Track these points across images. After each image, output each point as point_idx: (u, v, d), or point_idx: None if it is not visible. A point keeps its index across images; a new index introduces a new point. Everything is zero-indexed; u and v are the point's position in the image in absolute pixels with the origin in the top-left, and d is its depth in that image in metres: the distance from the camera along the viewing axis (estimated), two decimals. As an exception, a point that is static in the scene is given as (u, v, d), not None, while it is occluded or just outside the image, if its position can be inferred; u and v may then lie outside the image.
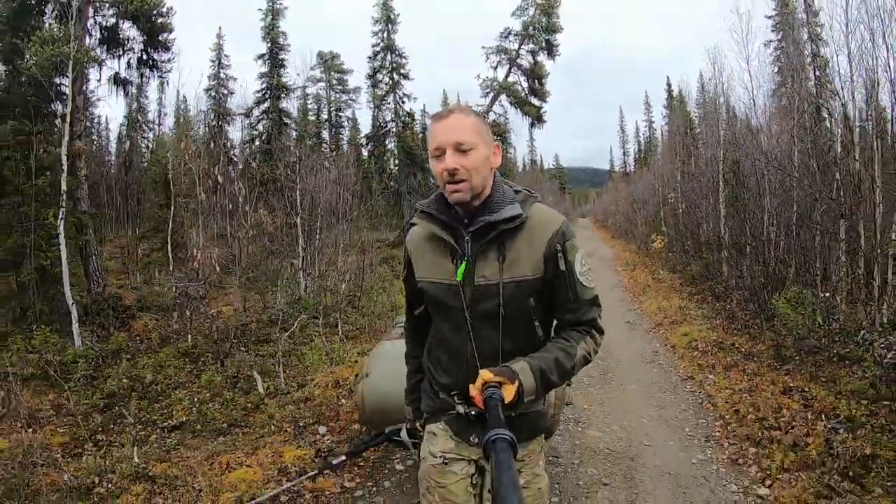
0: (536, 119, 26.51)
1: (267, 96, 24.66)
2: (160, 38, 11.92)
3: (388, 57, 27.76)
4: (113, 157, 26.99)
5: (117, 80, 12.14)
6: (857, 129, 6.81)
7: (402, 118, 27.79)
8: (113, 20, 11.58)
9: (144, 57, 12.60)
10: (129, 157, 16.15)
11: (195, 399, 6.33)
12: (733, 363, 5.69)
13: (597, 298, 1.65)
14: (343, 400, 5.53)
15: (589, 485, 3.57)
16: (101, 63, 10.97)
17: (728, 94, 11.92)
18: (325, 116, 35.23)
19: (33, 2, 11.95)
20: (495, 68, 26.03)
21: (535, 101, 26.25)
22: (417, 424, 1.93)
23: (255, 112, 25.43)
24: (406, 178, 27.32)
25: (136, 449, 4.77)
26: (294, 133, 25.43)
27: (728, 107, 11.65)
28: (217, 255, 8.82)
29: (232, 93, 29.10)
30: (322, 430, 4.97)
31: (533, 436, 1.71)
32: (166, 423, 5.82)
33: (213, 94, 28.30)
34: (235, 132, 27.14)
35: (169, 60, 12.36)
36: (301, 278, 10.54)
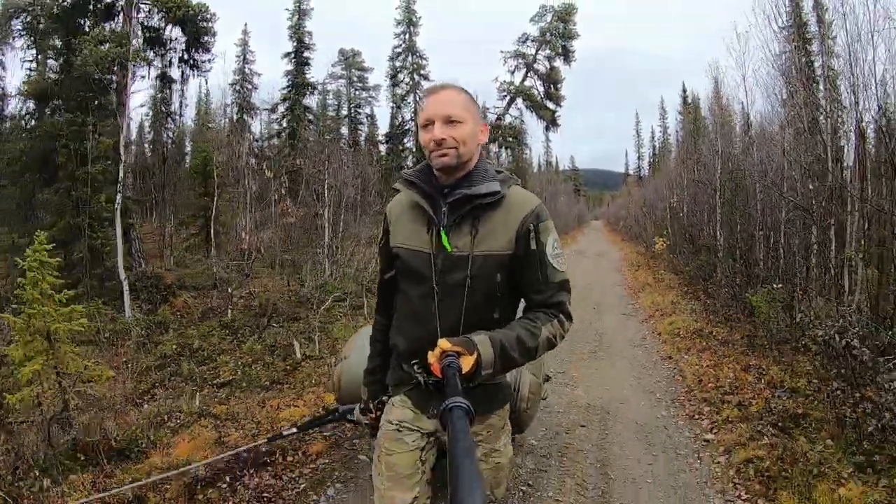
0: (551, 122, 27.32)
1: (292, 93, 25.61)
2: (202, 40, 12.92)
3: (410, 58, 28.73)
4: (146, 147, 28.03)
5: (164, 78, 13.16)
6: (832, 145, 7.60)
7: (422, 117, 28.77)
8: (156, 22, 12.56)
9: (185, 56, 13.61)
10: (164, 148, 17.08)
11: (239, 362, 7.29)
12: (708, 347, 6.56)
13: (567, 283, 1.68)
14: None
15: (569, 426, 4.48)
16: (150, 63, 11.98)
17: (727, 107, 12.77)
18: (344, 112, 36.11)
19: (82, 1, 12.94)
20: (512, 72, 26.92)
21: (551, 105, 27.08)
22: (371, 405, 1.95)
23: (280, 108, 26.40)
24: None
25: (197, 394, 5.74)
26: (313, 129, 26.32)
27: (724, 120, 12.47)
28: (260, 240, 9.74)
29: (256, 87, 30.19)
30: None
31: (492, 408, 1.74)
32: (216, 381, 6.77)
33: (237, 88, 29.37)
34: (257, 126, 28.23)
35: (209, 61, 13.38)
36: (326, 265, 11.50)
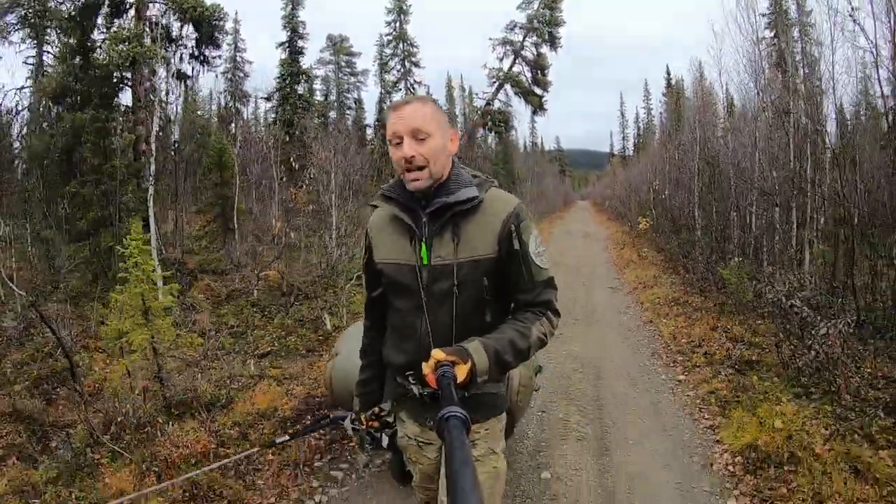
0: (539, 107, 28.18)
1: (287, 82, 26.21)
2: (214, 37, 13.67)
3: (401, 46, 29.41)
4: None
5: (179, 75, 13.90)
6: (794, 138, 8.63)
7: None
8: (171, 22, 13.29)
9: (196, 53, 14.34)
10: (180, 139, 17.81)
11: (273, 336, 8.25)
12: (683, 313, 7.66)
13: (552, 280, 1.69)
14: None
15: (569, 373, 5.55)
16: (169, 61, 12.72)
17: (708, 95, 13.85)
18: (333, 97, 36.62)
19: (98, 1, 13.56)
20: (501, 59, 27.68)
21: (538, 91, 27.91)
22: (363, 416, 1.94)
23: (276, 97, 27.02)
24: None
25: (251, 361, 6.72)
26: (311, 117, 26.94)
27: (706, 100, 13.56)
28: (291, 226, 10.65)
29: (248, 75, 30.74)
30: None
31: (488, 416, 1.75)
32: (256, 352, 7.74)
33: (229, 76, 29.88)
34: (250, 114, 28.87)
35: (219, 56, 14.14)
36: (334, 247, 12.42)
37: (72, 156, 13.00)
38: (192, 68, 14.59)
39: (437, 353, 1.41)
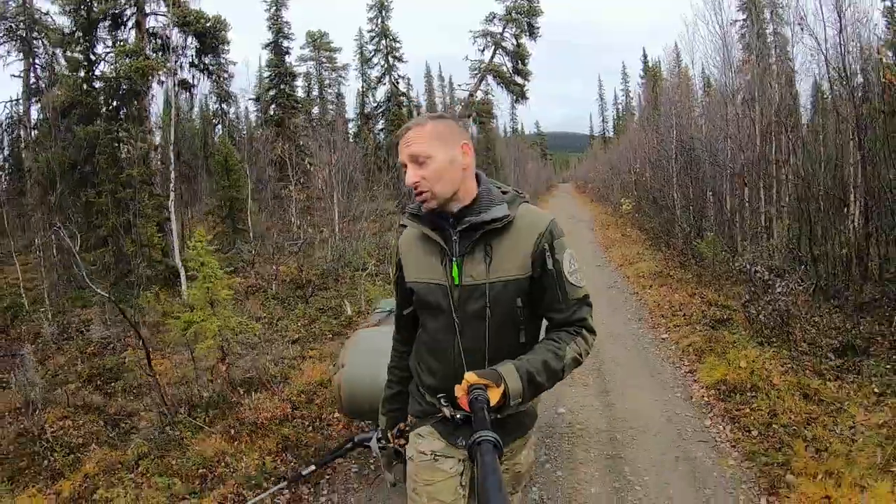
0: (520, 96, 29.03)
1: (275, 82, 26.77)
2: (214, 46, 14.35)
3: (383, 42, 30.06)
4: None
5: (184, 84, 14.56)
6: (761, 124, 9.60)
7: (398, 98, 30.19)
8: (173, 36, 13.94)
9: (196, 62, 15.01)
10: (178, 146, 18.49)
11: (298, 324, 9.11)
12: (665, 284, 8.64)
13: (587, 298, 1.65)
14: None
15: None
16: (175, 73, 13.39)
17: (683, 81, 14.83)
18: (315, 93, 37.03)
19: (100, 17, 14.13)
20: (482, 51, 28.44)
21: (519, 80, 28.74)
22: (390, 434, 1.93)
23: (265, 97, 27.58)
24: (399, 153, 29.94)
25: (290, 345, 7.59)
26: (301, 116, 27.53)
27: (682, 82, 14.56)
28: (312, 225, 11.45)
29: (232, 76, 31.21)
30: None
31: (520, 436, 1.76)
32: (286, 339, 8.59)
33: (214, 78, 30.36)
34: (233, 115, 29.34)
35: (219, 65, 14.81)
36: (338, 241, 13.27)
37: (83, 167, 13.68)
38: (192, 76, 15.26)
39: (470, 376, 1.41)
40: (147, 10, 14.40)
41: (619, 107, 66.40)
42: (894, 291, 6.00)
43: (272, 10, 27.23)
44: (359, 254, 12.60)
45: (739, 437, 3.95)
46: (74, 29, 14.34)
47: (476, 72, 28.37)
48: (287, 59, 27.76)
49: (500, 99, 29.60)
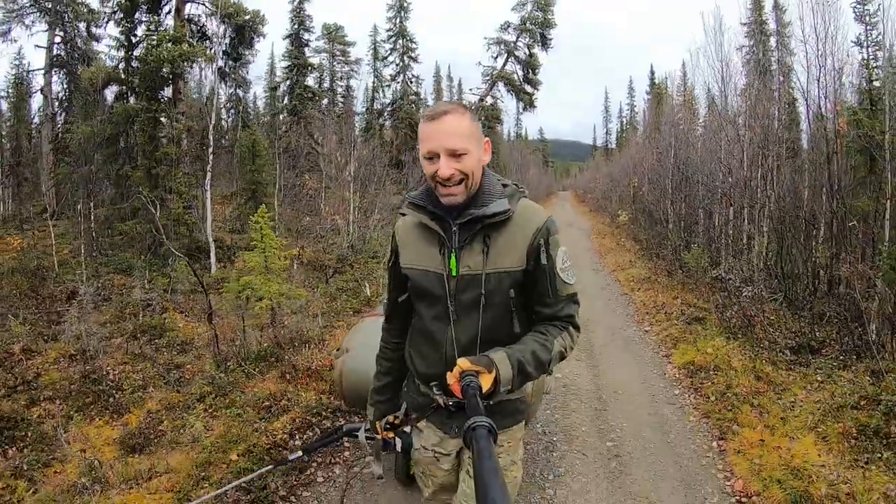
0: (529, 104, 30.07)
1: (294, 73, 27.68)
2: (249, 38, 15.31)
3: (400, 42, 31.06)
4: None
5: (221, 73, 15.50)
6: (745, 151, 10.64)
7: (411, 97, 31.19)
8: (213, 26, 14.90)
9: (229, 50, 15.96)
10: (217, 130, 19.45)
11: (320, 301, 10.08)
12: (652, 287, 9.69)
13: (575, 296, 1.72)
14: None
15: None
16: (212, 59, 14.33)
17: (688, 104, 15.91)
18: (326, 85, 37.82)
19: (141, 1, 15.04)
20: (495, 58, 29.48)
21: (529, 89, 29.79)
22: (378, 425, 1.95)
23: (282, 87, 28.49)
24: (411, 149, 30.92)
25: (319, 316, 8.57)
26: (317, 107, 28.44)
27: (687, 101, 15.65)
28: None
29: (249, 63, 32.10)
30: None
31: (512, 423, 1.81)
32: (310, 313, 9.56)
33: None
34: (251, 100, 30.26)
35: (252, 54, 15.78)
36: (353, 229, 14.25)
37: (118, 141, 14.60)
38: (226, 65, 16.19)
39: (463, 363, 1.43)
40: (185, -3, 15.41)
41: (624, 119, 67.43)
42: (847, 305, 7.04)
43: (296, 3, 28.14)
44: (371, 243, 13.59)
45: (700, 402, 4.99)
46: (116, 10, 15.31)
47: (488, 77, 29.39)
48: (305, 50, 28.73)
49: (509, 106, 30.60)
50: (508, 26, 29.65)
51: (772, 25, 28.15)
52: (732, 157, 11.08)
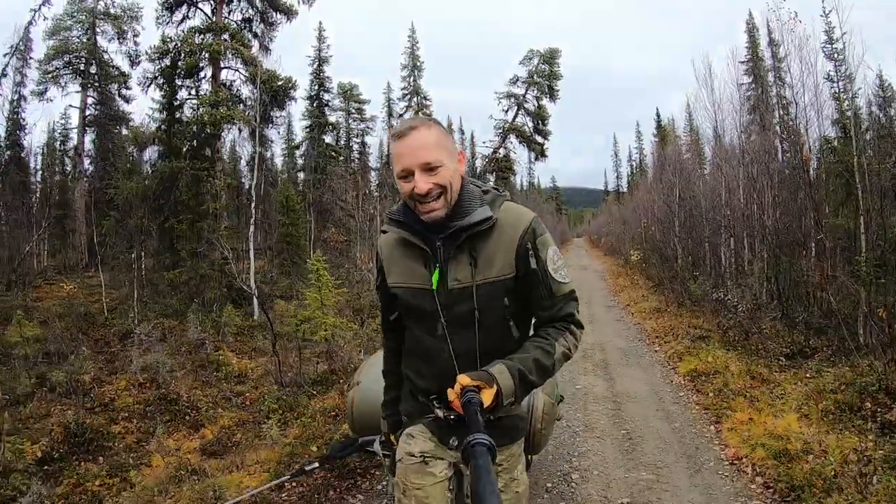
0: (540, 154, 31.47)
1: (315, 132, 29.31)
2: (281, 101, 16.77)
3: (415, 99, 32.82)
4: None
5: (253, 135, 16.92)
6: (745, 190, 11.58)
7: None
8: (248, 92, 16.40)
9: (263, 114, 17.39)
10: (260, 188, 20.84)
11: (359, 333, 10.97)
12: (661, 316, 10.51)
13: (573, 293, 1.67)
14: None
15: (585, 350, 8.35)
16: (249, 122, 15.74)
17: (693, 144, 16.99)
18: (342, 142, 39.41)
19: (182, 70, 16.54)
20: (506, 111, 31.05)
21: (539, 139, 31.22)
22: (392, 437, 1.95)
23: (304, 147, 30.09)
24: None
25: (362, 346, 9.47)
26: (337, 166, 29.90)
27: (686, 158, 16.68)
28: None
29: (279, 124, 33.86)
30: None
31: (512, 440, 1.76)
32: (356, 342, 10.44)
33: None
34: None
35: (283, 116, 17.20)
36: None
37: (161, 197, 15.88)
38: (259, 127, 17.61)
39: (463, 378, 1.42)
40: (222, 64, 16.99)
41: (633, 164, 68.53)
42: (838, 315, 7.82)
43: (315, 66, 30.04)
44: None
45: (700, 398, 5.82)
46: (157, 75, 16.89)
47: (500, 130, 30.88)
48: (327, 110, 30.46)
49: (521, 156, 31.96)
50: (517, 80, 31.29)
51: (768, 61, 29.10)
52: (731, 193, 12.03)
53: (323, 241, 18.81)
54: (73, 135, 25.27)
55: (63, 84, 22.63)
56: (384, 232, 1.77)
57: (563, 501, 3.83)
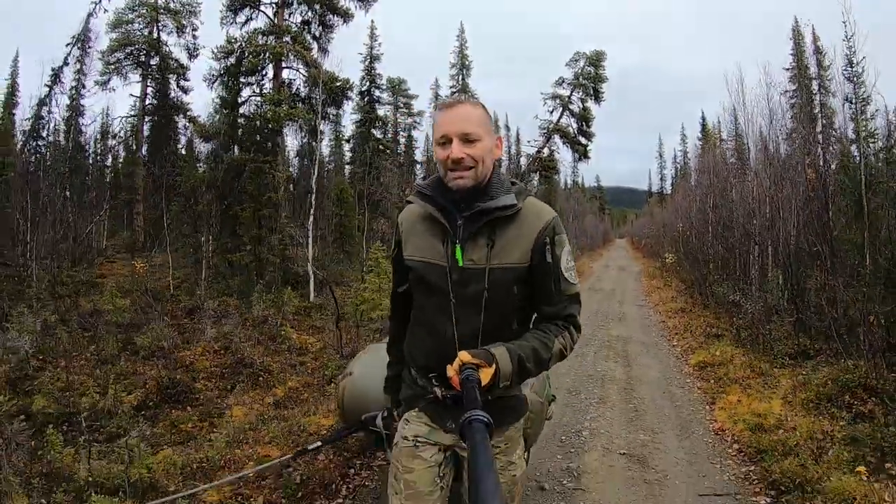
0: (583, 155, 31.94)
1: (366, 127, 30.56)
2: (339, 101, 18.01)
3: (463, 97, 33.73)
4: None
5: (312, 133, 18.22)
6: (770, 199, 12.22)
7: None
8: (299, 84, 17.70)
9: (322, 112, 18.67)
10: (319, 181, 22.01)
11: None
12: (685, 315, 11.32)
13: (578, 296, 1.72)
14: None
15: (609, 340, 9.27)
16: (310, 122, 17.04)
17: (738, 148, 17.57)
18: (390, 136, 40.46)
19: (245, 68, 17.87)
20: (551, 112, 31.68)
21: (583, 141, 31.73)
22: (395, 412, 1.97)
23: (353, 140, 31.40)
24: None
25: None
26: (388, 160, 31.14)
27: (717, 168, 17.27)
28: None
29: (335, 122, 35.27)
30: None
31: (511, 421, 1.79)
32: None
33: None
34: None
35: (338, 114, 18.43)
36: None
37: (224, 186, 17.28)
38: (318, 124, 18.91)
39: (464, 355, 1.45)
40: (283, 64, 18.28)
41: (678, 166, 67.83)
42: (840, 321, 8.53)
43: (367, 63, 31.28)
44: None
45: (702, 384, 6.71)
46: (222, 72, 18.28)
47: (544, 131, 31.55)
48: (378, 106, 31.69)
49: (565, 156, 32.56)
50: (563, 82, 31.76)
51: (813, 69, 28.80)
52: (759, 204, 12.66)
53: (372, 231, 20.02)
54: (131, 123, 26.93)
55: (125, 74, 24.24)
56: (409, 202, 1.83)
57: (573, 449, 4.83)
